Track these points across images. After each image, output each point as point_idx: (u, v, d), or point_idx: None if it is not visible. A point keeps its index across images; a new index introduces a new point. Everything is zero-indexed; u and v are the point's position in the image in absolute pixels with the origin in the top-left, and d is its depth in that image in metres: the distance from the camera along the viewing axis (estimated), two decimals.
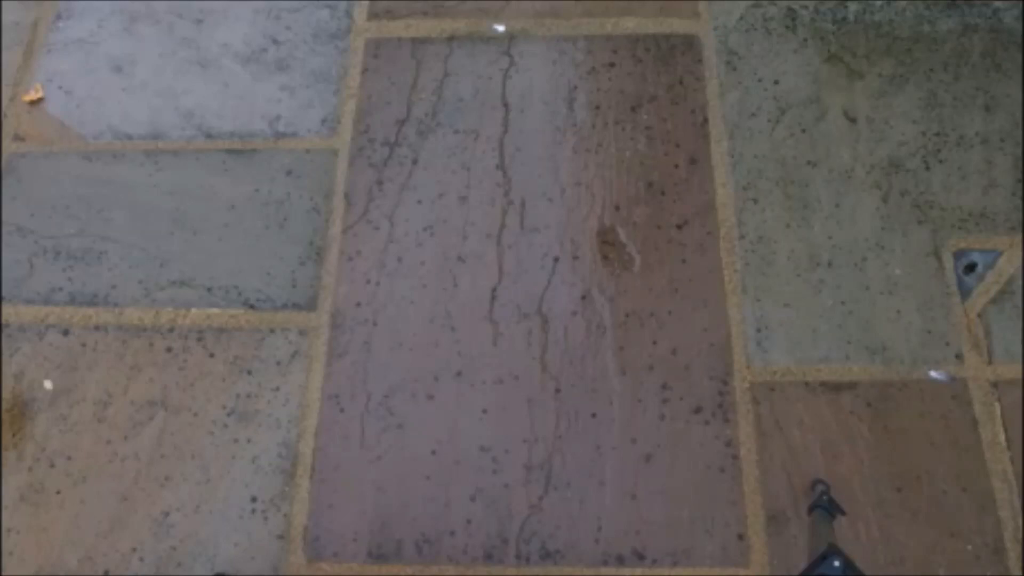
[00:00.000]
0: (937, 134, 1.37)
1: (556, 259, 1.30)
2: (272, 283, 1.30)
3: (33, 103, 1.44)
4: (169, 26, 1.52)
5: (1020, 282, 1.26)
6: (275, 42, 1.50)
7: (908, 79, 1.41)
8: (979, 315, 1.24)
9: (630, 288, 1.28)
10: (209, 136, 1.42)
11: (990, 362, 1.21)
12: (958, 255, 1.28)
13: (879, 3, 1.48)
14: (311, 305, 1.29)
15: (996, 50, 1.43)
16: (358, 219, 1.34)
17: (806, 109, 1.40)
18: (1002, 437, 1.16)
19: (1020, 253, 1.28)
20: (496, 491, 1.16)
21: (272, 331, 1.27)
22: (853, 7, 1.48)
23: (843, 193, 1.33)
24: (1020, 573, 1.10)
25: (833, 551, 0.80)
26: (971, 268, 1.27)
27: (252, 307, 1.29)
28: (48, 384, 1.24)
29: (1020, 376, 1.20)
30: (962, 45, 1.44)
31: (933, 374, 1.19)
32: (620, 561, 1.12)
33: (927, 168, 1.35)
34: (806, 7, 1.49)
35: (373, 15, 1.51)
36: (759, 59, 1.44)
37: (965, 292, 1.26)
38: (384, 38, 1.49)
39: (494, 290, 1.28)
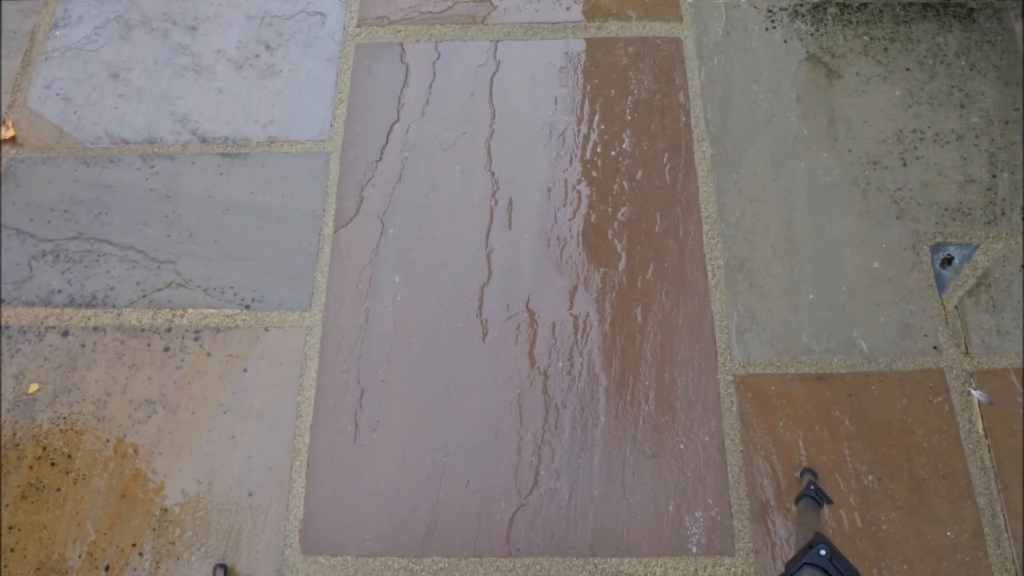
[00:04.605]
0: (914, 131, 1.40)
1: (544, 257, 1.32)
2: (267, 283, 1.32)
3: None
4: (164, 33, 1.54)
5: (1002, 275, 1.29)
6: (268, 48, 1.52)
7: (885, 78, 1.44)
8: (956, 307, 1.27)
9: (616, 285, 1.30)
10: (204, 140, 1.44)
11: (967, 353, 1.24)
12: (935, 249, 1.31)
13: (856, 4, 1.51)
14: (305, 304, 1.31)
15: (971, 49, 1.46)
16: (350, 220, 1.36)
17: (786, 108, 1.42)
18: (979, 426, 1.19)
19: (997, 247, 1.30)
20: (487, 484, 1.18)
21: (267, 330, 1.29)
22: (831, 9, 1.51)
23: (823, 190, 1.36)
24: (999, 558, 1.11)
25: (819, 539, 0.82)
26: (948, 262, 1.30)
27: (247, 307, 1.31)
28: (34, 387, 1.26)
29: (997, 366, 1.23)
30: (937, 45, 1.46)
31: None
32: (608, 551, 1.14)
33: (904, 165, 1.37)
34: (785, 9, 1.51)
35: (363, 21, 1.53)
36: (740, 60, 1.46)
37: (942, 285, 1.28)
38: (374, 43, 1.51)
39: (483, 288, 1.31)
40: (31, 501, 1.19)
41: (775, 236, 1.32)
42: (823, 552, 0.80)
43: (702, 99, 1.43)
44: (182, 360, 1.27)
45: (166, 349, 1.28)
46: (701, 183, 1.37)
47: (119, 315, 1.31)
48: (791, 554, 1.03)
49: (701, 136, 1.40)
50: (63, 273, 1.34)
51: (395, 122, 1.44)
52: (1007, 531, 1.13)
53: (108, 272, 1.34)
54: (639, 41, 1.49)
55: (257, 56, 1.51)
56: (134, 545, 1.16)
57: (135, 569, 1.15)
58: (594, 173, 1.38)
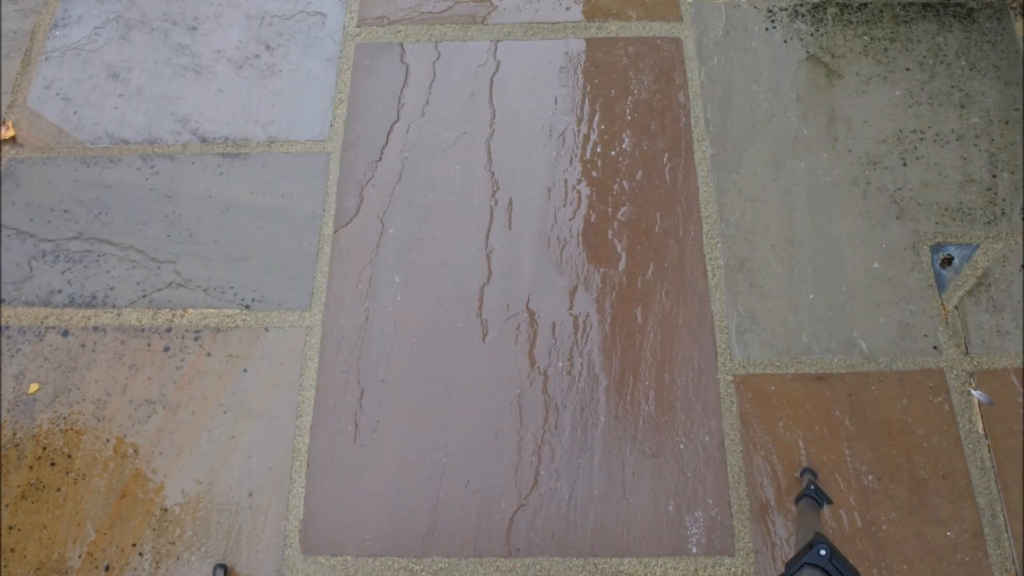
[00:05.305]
0: (914, 131, 1.40)
1: (544, 257, 1.33)
2: (267, 283, 1.33)
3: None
4: (164, 33, 1.55)
5: (1002, 275, 1.29)
6: (268, 48, 1.52)
7: (885, 78, 1.44)
8: (956, 307, 1.27)
9: (616, 285, 1.30)
10: (204, 140, 1.44)
11: (967, 353, 1.24)
12: (935, 249, 1.31)
13: (856, 4, 1.51)
14: (305, 304, 1.31)
15: (971, 49, 1.46)
16: (350, 220, 1.36)
17: (786, 108, 1.42)
18: (979, 426, 1.19)
19: (997, 247, 1.30)
20: (487, 484, 1.18)
21: (267, 330, 1.29)
22: (831, 9, 1.51)
23: (823, 190, 1.36)
24: (999, 558, 1.12)
25: (819, 539, 0.82)
26: (948, 261, 1.30)
27: (247, 307, 1.31)
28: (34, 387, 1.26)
29: (997, 366, 1.23)
30: (937, 45, 1.47)
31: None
32: (608, 551, 1.14)
33: (904, 165, 1.37)
34: (785, 9, 1.51)
35: (363, 21, 1.54)
36: (740, 60, 1.47)
37: (942, 285, 1.29)
38: (374, 43, 1.51)
39: (483, 288, 1.31)
40: (31, 501, 1.19)
41: (775, 236, 1.33)
42: (823, 552, 0.80)
43: (702, 99, 1.44)
44: (182, 360, 1.27)
45: (166, 349, 1.28)
46: (701, 183, 1.37)
47: (119, 315, 1.31)
48: (791, 554, 1.03)
49: (701, 136, 1.40)
50: (63, 273, 1.34)
51: (395, 122, 1.44)
52: (1007, 531, 1.13)
53: (108, 272, 1.34)
54: (639, 41, 1.49)
55: (257, 56, 1.51)
56: (134, 545, 1.16)
57: (135, 569, 1.15)
58: (594, 173, 1.39)
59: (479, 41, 1.50)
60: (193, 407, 1.24)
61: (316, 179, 1.40)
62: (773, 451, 1.18)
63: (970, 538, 1.13)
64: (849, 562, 0.80)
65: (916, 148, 1.38)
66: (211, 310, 1.31)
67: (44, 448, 1.22)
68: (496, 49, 1.49)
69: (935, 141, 1.38)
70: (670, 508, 1.16)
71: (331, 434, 1.22)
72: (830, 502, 1.10)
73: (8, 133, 1.44)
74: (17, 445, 1.22)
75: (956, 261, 1.30)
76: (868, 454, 1.17)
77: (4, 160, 1.44)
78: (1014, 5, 1.48)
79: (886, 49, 1.46)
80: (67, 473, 1.20)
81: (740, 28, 1.50)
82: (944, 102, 1.41)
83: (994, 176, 1.35)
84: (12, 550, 1.16)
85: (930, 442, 1.18)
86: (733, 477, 1.17)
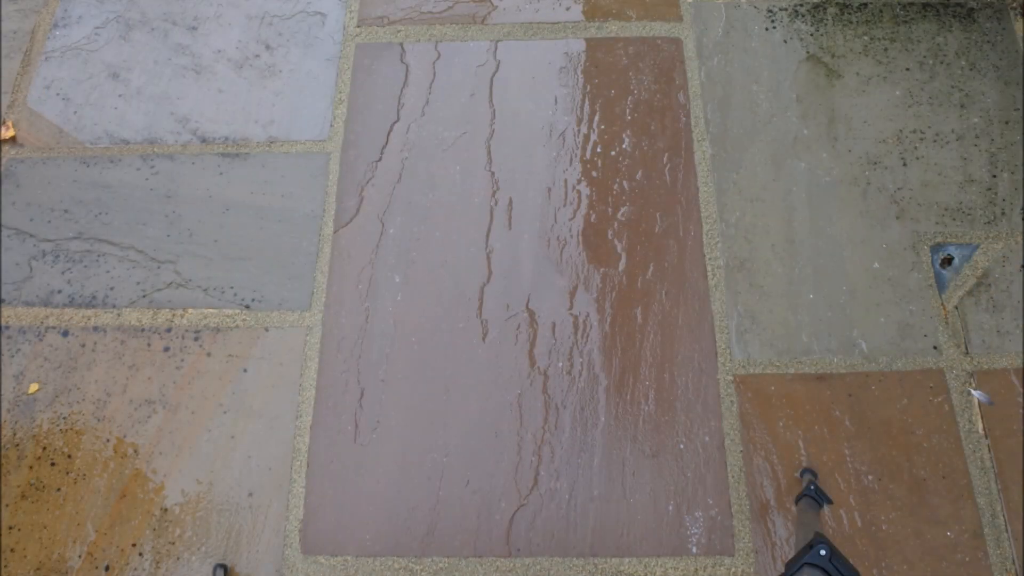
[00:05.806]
0: (914, 131, 1.40)
1: (544, 257, 1.33)
2: (267, 283, 1.33)
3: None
4: (164, 33, 1.55)
5: (1002, 275, 1.29)
6: (268, 48, 1.52)
7: (885, 78, 1.44)
8: (956, 307, 1.27)
9: (616, 285, 1.30)
10: (204, 140, 1.44)
11: (967, 353, 1.24)
12: (935, 249, 1.31)
13: (856, 4, 1.51)
14: (305, 304, 1.31)
15: (971, 49, 1.46)
16: (350, 220, 1.37)
17: (786, 108, 1.42)
18: (979, 426, 1.19)
19: (997, 247, 1.30)
20: (487, 484, 1.18)
21: (267, 330, 1.29)
22: (831, 9, 1.51)
23: (823, 190, 1.36)
24: (999, 558, 1.12)
25: (819, 539, 0.82)
26: (948, 261, 1.30)
27: (247, 307, 1.31)
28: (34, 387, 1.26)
29: (997, 366, 1.23)
30: (937, 45, 1.47)
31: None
32: (608, 551, 1.14)
33: (904, 165, 1.37)
34: (785, 9, 1.51)
35: (363, 21, 1.54)
36: (740, 60, 1.47)
37: (942, 285, 1.29)
38: (374, 43, 1.51)
39: (483, 288, 1.31)
40: (31, 501, 1.19)
41: (775, 236, 1.33)
42: (823, 552, 0.80)
43: (702, 99, 1.44)
44: (182, 360, 1.27)
45: (166, 349, 1.28)
46: (701, 183, 1.37)
47: (119, 315, 1.31)
48: (791, 554, 1.03)
49: (701, 136, 1.41)
50: (63, 273, 1.34)
51: (395, 122, 1.44)
52: (1007, 531, 1.13)
53: (108, 272, 1.34)
54: (639, 41, 1.49)
55: (257, 56, 1.51)
56: (134, 545, 1.16)
57: (135, 569, 1.15)
58: (594, 173, 1.39)
59: (479, 41, 1.50)
60: (193, 407, 1.24)
61: (316, 179, 1.40)
62: (773, 451, 1.18)
63: (970, 538, 1.13)
64: (849, 562, 0.80)
65: (916, 148, 1.38)
66: (211, 310, 1.31)
67: (44, 448, 1.22)
68: (496, 49, 1.49)
69: (935, 141, 1.39)
70: (670, 508, 1.16)
71: (331, 434, 1.22)
72: (830, 502, 1.10)
73: (8, 133, 1.44)
74: (17, 445, 1.22)
75: (956, 261, 1.30)
76: (868, 454, 1.17)
77: (4, 160, 1.44)
78: (1014, 5, 1.48)
79: (886, 49, 1.46)
80: (67, 473, 1.20)
81: (740, 28, 1.50)
82: (944, 102, 1.41)
83: (994, 176, 1.35)
84: (12, 550, 1.16)
85: (930, 442, 1.18)
86: (733, 477, 1.17)
